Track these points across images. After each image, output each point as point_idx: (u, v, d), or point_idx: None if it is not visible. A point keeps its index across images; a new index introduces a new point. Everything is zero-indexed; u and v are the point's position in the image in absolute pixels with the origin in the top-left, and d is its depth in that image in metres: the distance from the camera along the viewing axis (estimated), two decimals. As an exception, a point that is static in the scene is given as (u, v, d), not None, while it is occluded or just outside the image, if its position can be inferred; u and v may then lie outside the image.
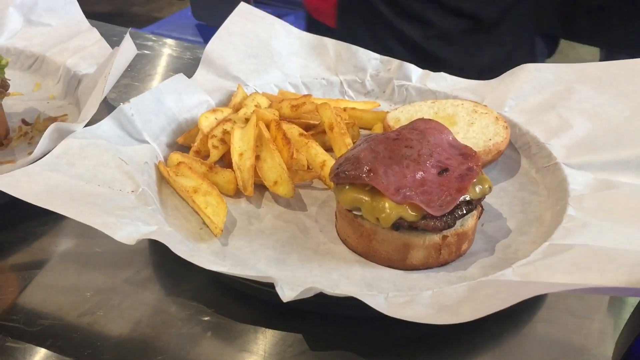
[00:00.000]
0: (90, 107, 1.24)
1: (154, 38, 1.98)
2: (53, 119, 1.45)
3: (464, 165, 1.09)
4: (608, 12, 2.01)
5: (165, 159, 1.28)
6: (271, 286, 0.90)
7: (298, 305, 0.91)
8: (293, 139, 1.29)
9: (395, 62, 1.58)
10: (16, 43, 1.69)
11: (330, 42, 1.61)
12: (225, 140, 1.28)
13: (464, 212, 1.05)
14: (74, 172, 1.12)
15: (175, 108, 1.36)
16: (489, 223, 1.17)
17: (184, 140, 1.33)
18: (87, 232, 1.10)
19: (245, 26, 1.60)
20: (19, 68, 1.66)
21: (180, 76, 1.41)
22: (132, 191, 1.12)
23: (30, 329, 0.94)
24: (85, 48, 1.63)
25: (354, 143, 1.31)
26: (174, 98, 1.37)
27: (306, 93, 1.52)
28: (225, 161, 1.29)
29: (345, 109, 1.45)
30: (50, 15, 1.75)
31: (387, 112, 1.43)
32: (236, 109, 1.39)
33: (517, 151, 1.36)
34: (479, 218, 1.12)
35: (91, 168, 1.14)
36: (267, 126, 1.30)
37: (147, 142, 1.26)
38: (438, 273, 1.05)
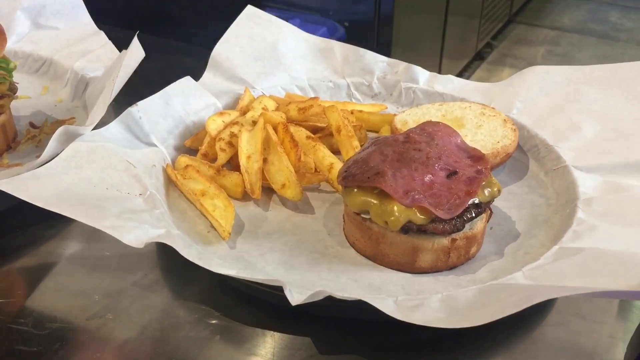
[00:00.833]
0: (98, 110, 1.24)
1: (160, 41, 1.98)
2: (61, 122, 1.45)
3: (472, 168, 1.08)
4: None
5: (173, 161, 1.28)
6: (280, 289, 0.90)
7: (306, 309, 0.90)
8: (300, 141, 1.28)
9: (402, 65, 1.57)
10: (24, 47, 1.69)
11: (337, 45, 1.61)
12: (232, 143, 1.28)
13: (473, 215, 1.04)
14: (82, 175, 1.12)
15: (182, 111, 1.36)
16: (497, 226, 1.16)
17: (192, 143, 1.33)
18: (94, 235, 1.10)
19: (252, 29, 1.60)
20: (27, 71, 1.66)
21: (188, 79, 1.41)
22: (140, 194, 1.12)
23: (39, 332, 0.94)
24: (93, 51, 1.63)
25: (361, 146, 1.30)
26: (182, 101, 1.37)
27: (313, 96, 1.52)
28: (232, 164, 1.29)
29: (352, 112, 1.44)
30: (58, 18, 1.76)
31: (395, 114, 1.43)
32: (243, 112, 1.39)
33: (525, 154, 1.36)
34: (488, 221, 1.12)
35: (99, 171, 1.14)
36: (275, 129, 1.30)
37: (154, 145, 1.26)
38: (447, 276, 1.05)
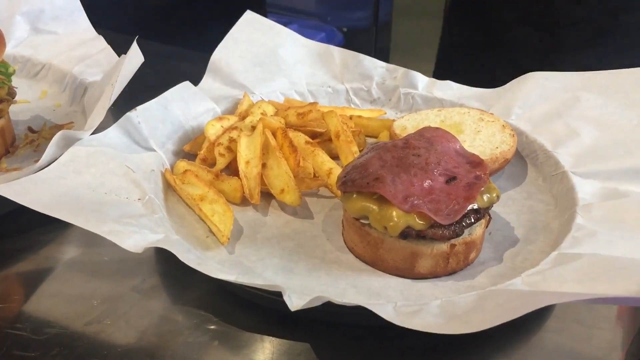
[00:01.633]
0: (97, 115, 1.24)
1: (159, 46, 1.98)
2: (59, 127, 1.45)
3: (471, 173, 1.08)
4: None
5: (172, 166, 1.28)
6: (279, 295, 0.90)
7: (305, 314, 0.90)
8: (299, 146, 1.29)
9: (401, 70, 1.58)
10: (23, 51, 1.69)
11: (336, 51, 1.61)
12: (231, 148, 1.28)
13: (472, 220, 1.04)
14: (81, 180, 1.12)
15: (181, 116, 1.36)
16: (496, 232, 1.16)
17: (191, 148, 1.33)
18: (93, 240, 1.10)
19: (251, 34, 1.60)
20: (26, 76, 1.66)
21: (187, 84, 1.41)
22: (139, 199, 1.12)
23: (37, 337, 0.94)
24: (92, 56, 1.63)
25: (360, 151, 1.31)
26: (181, 106, 1.37)
27: (312, 101, 1.52)
28: (231, 169, 1.29)
29: (351, 117, 1.45)
30: (57, 23, 1.75)
31: (394, 120, 1.43)
32: (242, 117, 1.39)
33: (524, 159, 1.36)
34: (487, 227, 1.12)
35: (98, 176, 1.14)
36: (274, 134, 1.30)
37: (153, 150, 1.26)
38: (446, 282, 1.05)
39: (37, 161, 1.18)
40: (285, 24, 1.67)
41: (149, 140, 1.26)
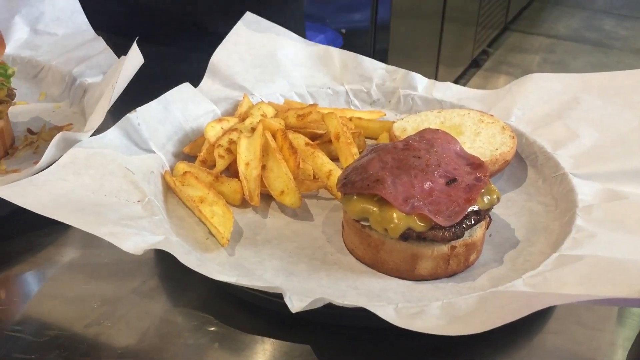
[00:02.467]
0: (97, 117, 1.24)
1: (159, 47, 1.98)
2: (59, 128, 1.44)
3: (472, 175, 1.08)
4: None
5: (172, 168, 1.28)
6: (279, 297, 0.90)
7: (306, 316, 0.90)
8: (299, 148, 1.28)
9: (400, 72, 1.58)
10: (22, 52, 1.69)
11: (336, 52, 1.61)
12: (231, 149, 1.28)
13: (473, 222, 1.04)
14: (80, 181, 1.12)
15: (181, 117, 1.36)
16: (497, 233, 1.16)
17: (190, 149, 1.33)
18: (92, 242, 1.09)
19: (251, 36, 1.60)
20: (25, 77, 1.65)
21: (186, 85, 1.41)
22: (139, 201, 1.12)
23: (37, 339, 0.94)
24: (91, 57, 1.63)
25: (360, 153, 1.30)
26: (180, 107, 1.37)
27: (312, 102, 1.52)
28: (231, 171, 1.29)
29: (351, 119, 1.44)
30: (57, 24, 1.75)
31: (393, 121, 1.43)
32: (242, 119, 1.39)
33: (524, 161, 1.36)
34: (487, 228, 1.12)
35: (97, 178, 1.13)
36: (274, 136, 1.29)
37: (153, 152, 1.26)
38: (447, 284, 1.05)
39: (36, 163, 1.17)
40: (285, 27, 1.66)
41: (149, 142, 1.26)
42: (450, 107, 1.49)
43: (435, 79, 1.58)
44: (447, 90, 1.54)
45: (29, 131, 1.44)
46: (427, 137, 1.14)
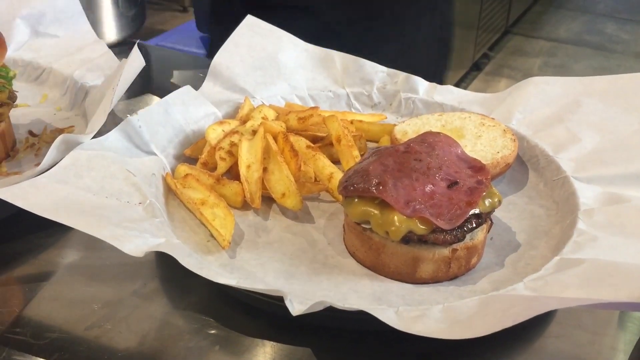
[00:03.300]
0: (98, 119, 1.24)
1: (158, 50, 1.98)
2: (60, 131, 1.44)
3: (473, 178, 1.08)
4: None
5: (173, 170, 1.28)
6: (280, 300, 0.90)
7: (307, 319, 0.90)
8: (300, 151, 1.28)
9: (402, 75, 1.58)
10: (24, 55, 1.69)
11: (337, 55, 1.61)
12: (232, 152, 1.28)
13: (474, 225, 1.04)
14: (82, 183, 1.12)
15: (182, 120, 1.36)
16: (498, 236, 1.16)
17: (192, 152, 1.33)
18: (93, 244, 1.09)
19: (252, 38, 1.60)
20: (26, 80, 1.65)
21: (187, 88, 1.41)
22: (140, 203, 1.12)
23: (37, 342, 0.93)
24: (92, 60, 1.63)
25: (361, 155, 1.30)
26: (181, 110, 1.37)
27: (313, 105, 1.52)
28: (232, 173, 1.29)
29: (352, 122, 1.44)
30: (58, 26, 1.75)
31: (394, 124, 1.43)
32: (243, 121, 1.39)
33: (525, 164, 1.36)
34: (489, 231, 1.12)
35: (99, 180, 1.13)
36: (275, 138, 1.29)
37: (154, 154, 1.26)
38: (448, 287, 1.05)
39: (37, 165, 1.17)
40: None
41: (150, 144, 1.26)
42: (451, 110, 1.49)
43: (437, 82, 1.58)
44: (448, 93, 1.54)
45: (31, 133, 1.44)
46: (429, 140, 1.14)
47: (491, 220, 1.12)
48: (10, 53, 1.68)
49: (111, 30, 1.96)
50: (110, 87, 1.28)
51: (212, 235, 1.13)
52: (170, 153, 1.30)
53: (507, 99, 1.47)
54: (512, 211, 1.23)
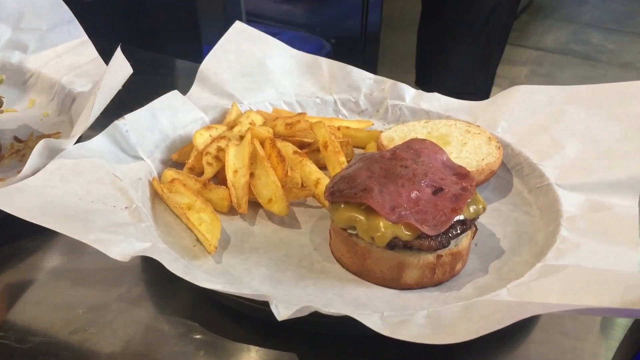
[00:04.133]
0: (81, 125, 1.23)
1: (149, 55, 1.98)
2: (46, 137, 1.44)
3: (458, 185, 1.09)
4: None
5: (160, 175, 1.28)
6: (266, 304, 0.90)
7: (292, 324, 0.90)
8: (287, 156, 1.29)
9: (388, 82, 1.59)
10: (10, 55, 1.66)
11: (324, 62, 1.62)
12: (219, 157, 1.28)
13: (459, 231, 1.05)
14: (68, 188, 1.11)
15: (169, 125, 1.36)
16: (482, 243, 1.17)
17: (178, 157, 1.33)
18: (78, 248, 1.09)
19: (240, 44, 1.61)
20: (14, 83, 1.64)
21: (175, 93, 1.41)
22: (126, 207, 1.12)
23: (21, 346, 0.93)
24: (81, 66, 1.62)
25: (347, 162, 1.31)
26: (169, 115, 1.37)
27: (300, 111, 1.53)
28: (219, 178, 1.29)
29: (339, 128, 1.45)
30: (39, 19, 1.70)
31: (381, 131, 1.44)
32: (231, 127, 1.39)
33: (509, 172, 1.37)
34: (473, 238, 1.13)
35: (85, 184, 1.13)
36: (262, 144, 1.30)
37: (141, 159, 1.26)
38: (432, 293, 1.05)
39: (20, 172, 1.16)
40: (274, 35, 1.67)
41: (137, 149, 1.26)
42: (437, 117, 1.50)
43: (425, 89, 1.59)
44: (434, 100, 1.55)
45: (16, 139, 1.44)
46: (415, 147, 1.15)
47: (476, 226, 1.13)
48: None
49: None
50: (93, 92, 1.27)
51: (198, 240, 1.13)
52: (157, 158, 1.31)
53: (492, 106, 1.48)
54: (496, 218, 1.24)
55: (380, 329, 0.87)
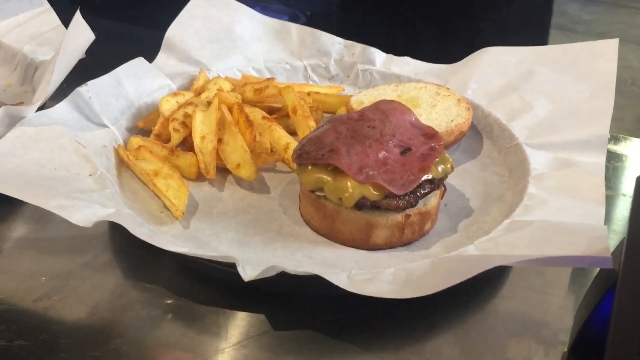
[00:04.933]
0: (42, 91, 1.20)
1: (115, 24, 1.93)
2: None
3: (426, 145, 1.09)
4: None
5: (126, 143, 1.26)
6: (232, 266, 0.89)
7: (261, 286, 0.90)
8: (256, 122, 1.27)
9: (358, 47, 1.57)
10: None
11: (293, 27, 1.60)
12: (186, 123, 1.26)
13: (427, 191, 1.05)
14: (29, 156, 1.09)
15: (135, 92, 1.33)
16: (452, 203, 1.17)
17: (145, 124, 1.31)
18: (44, 217, 1.08)
19: (207, 10, 1.57)
20: (-25, 54, 1.60)
21: (140, 60, 1.38)
22: (90, 174, 1.10)
23: (-17, 314, 0.92)
24: (43, 34, 1.58)
25: (317, 126, 1.30)
26: (134, 82, 1.34)
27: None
28: (187, 145, 1.27)
29: (309, 93, 1.44)
30: None
31: (352, 96, 1.42)
32: (198, 93, 1.37)
33: (480, 133, 1.37)
34: (442, 198, 1.13)
35: (47, 152, 1.11)
36: (230, 110, 1.28)
37: (106, 126, 1.24)
38: (401, 252, 1.05)
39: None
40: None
41: (101, 116, 1.23)
42: (408, 81, 1.49)
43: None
44: (405, 64, 1.54)
45: (-23, 109, 1.40)
46: (383, 108, 1.14)
47: (444, 186, 1.13)
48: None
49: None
50: (53, 59, 1.24)
51: (165, 207, 1.11)
52: (123, 125, 1.28)
53: (462, 69, 1.47)
54: (466, 178, 1.24)
55: (346, 287, 0.86)
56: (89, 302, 0.95)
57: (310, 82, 1.56)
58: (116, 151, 1.21)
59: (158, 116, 1.30)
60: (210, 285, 0.99)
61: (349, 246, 1.06)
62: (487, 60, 1.45)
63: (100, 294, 0.96)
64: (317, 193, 1.07)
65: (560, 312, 0.96)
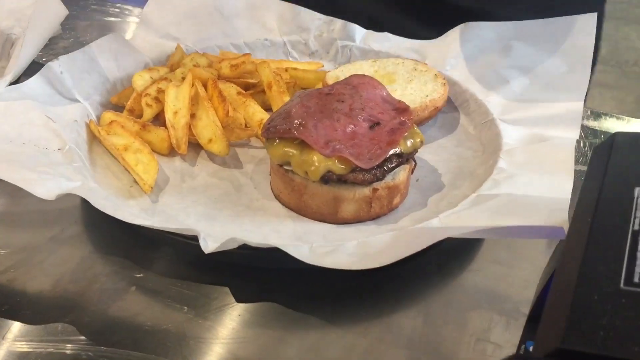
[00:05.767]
0: (12, 65, 1.20)
1: (117, 6, 1.92)
2: (-15, 82, 1.40)
3: (396, 119, 1.08)
4: None
5: (99, 118, 1.26)
6: (195, 239, 0.89)
7: (224, 259, 0.90)
8: (230, 97, 1.27)
9: (339, 23, 1.56)
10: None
11: (273, 3, 1.58)
12: (159, 98, 1.25)
13: (394, 164, 1.04)
14: (-2, 131, 1.09)
15: (110, 67, 1.33)
16: (424, 178, 1.17)
17: (118, 99, 1.30)
18: (11, 192, 1.07)
19: (185, -14, 1.56)
20: (-49, 30, 1.59)
21: (116, 35, 1.37)
22: (59, 149, 1.10)
23: (-58, 287, 0.92)
24: (21, 10, 1.57)
25: (293, 102, 1.29)
26: (109, 57, 1.33)
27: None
28: (161, 121, 1.26)
29: (286, 69, 1.43)
30: None
31: (328, 71, 1.41)
32: (173, 69, 1.36)
33: (457, 109, 1.36)
34: (412, 172, 1.12)
35: (16, 126, 1.11)
36: (204, 85, 1.27)
37: (78, 101, 1.23)
38: (369, 226, 1.05)
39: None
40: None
41: (73, 91, 1.23)
42: (387, 57, 1.48)
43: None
44: (385, 41, 1.53)
45: (-47, 85, 1.40)
46: (353, 83, 1.13)
47: (414, 160, 1.12)
48: None
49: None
50: (23, 32, 1.23)
51: (135, 181, 1.11)
52: (96, 100, 1.28)
53: (441, 45, 1.46)
54: (440, 154, 1.23)
55: (306, 259, 0.86)
56: (54, 274, 0.95)
57: (290, 59, 1.55)
58: (88, 126, 1.21)
59: (132, 92, 1.29)
60: (177, 259, 0.99)
61: (318, 220, 1.06)
62: (467, 36, 1.44)
63: (65, 267, 0.97)
64: (285, 167, 1.07)
65: (524, 284, 0.96)
